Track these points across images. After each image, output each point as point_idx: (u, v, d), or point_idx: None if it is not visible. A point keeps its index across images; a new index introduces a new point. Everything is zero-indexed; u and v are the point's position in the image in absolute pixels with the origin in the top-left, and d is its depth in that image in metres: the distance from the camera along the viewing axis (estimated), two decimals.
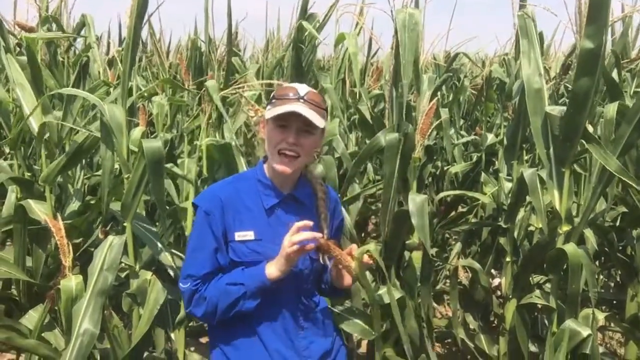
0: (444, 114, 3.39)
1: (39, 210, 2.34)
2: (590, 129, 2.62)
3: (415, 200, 2.19)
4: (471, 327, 2.96)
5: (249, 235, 1.54)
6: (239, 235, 1.53)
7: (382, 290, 2.22)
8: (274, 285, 1.49)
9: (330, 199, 1.68)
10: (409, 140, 2.23)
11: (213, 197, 1.56)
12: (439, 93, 4.12)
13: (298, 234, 1.44)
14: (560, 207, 2.00)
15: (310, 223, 1.47)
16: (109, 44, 4.85)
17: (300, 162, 1.53)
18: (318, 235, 1.47)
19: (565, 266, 2.03)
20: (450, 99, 4.38)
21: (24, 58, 2.40)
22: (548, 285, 2.86)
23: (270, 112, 1.51)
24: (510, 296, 2.58)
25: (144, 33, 3.71)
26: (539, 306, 2.35)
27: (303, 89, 1.54)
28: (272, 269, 1.49)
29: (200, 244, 1.55)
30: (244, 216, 1.55)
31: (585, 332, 1.98)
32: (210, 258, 1.54)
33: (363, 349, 3.17)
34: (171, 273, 2.22)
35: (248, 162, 3.08)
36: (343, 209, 1.89)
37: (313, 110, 1.50)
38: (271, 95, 1.59)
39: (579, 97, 1.86)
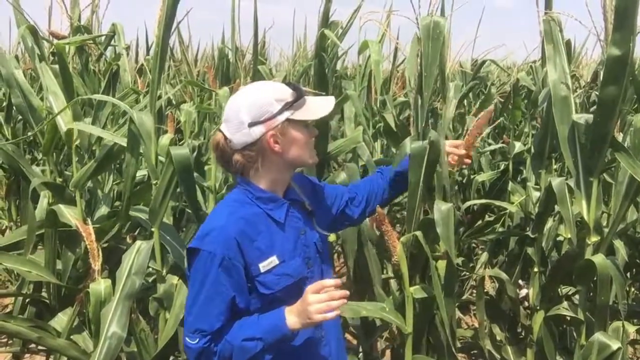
0: (470, 121, 3.36)
1: (70, 214, 2.39)
2: (619, 137, 2.57)
3: (441, 209, 2.17)
4: (498, 338, 2.92)
5: (273, 261, 1.44)
6: (264, 266, 1.43)
7: (416, 287, 2.20)
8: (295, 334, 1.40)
9: (304, 185, 1.67)
10: (434, 148, 2.22)
11: (226, 239, 1.40)
12: (465, 101, 4.09)
13: (327, 303, 1.33)
14: (588, 218, 1.97)
15: (339, 282, 1.37)
16: (137, 52, 4.95)
17: None
18: (345, 293, 1.35)
19: (594, 278, 1.99)
20: (477, 106, 4.34)
21: (57, 66, 2.46)
22: (577, 296, 2.81)
23: (306, 112, 1.48)
24: (538, 307, 2.53)
25: (172, 40, 3.77)
26: (568, 318, 2.31)
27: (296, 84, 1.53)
28: (294, 320, 1.36)
29: (214, 293, 1.39)
30: (260, 243, 1.44)
31: (614, 345, 1.93)
32: (226, 309, 1.40)
33: (387, 358, 3.15)
34: None
35: None
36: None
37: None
38: (279, 101, 1.46)
39: (606, 105, 1.83)
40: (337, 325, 1.65)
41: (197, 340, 1.39)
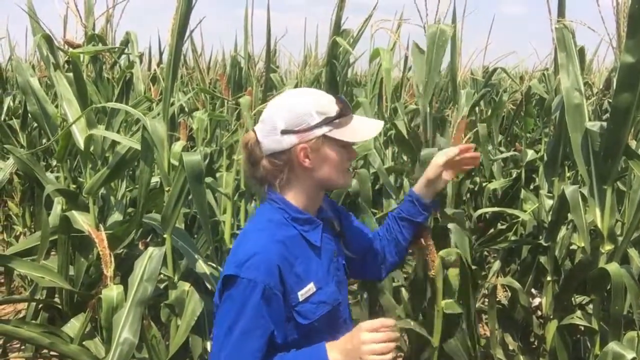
0: (482, 129, 3.35)
1: (83, 221, 2.41)
2: (633, 145, 2.55)
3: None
4: (510, 347, 2.89)
5: (311, 288, 1.32)
6: (302, 294, 1.31)
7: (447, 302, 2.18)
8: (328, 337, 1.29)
9: (331, 203, 1.58)
10: None
11: (268, 265, 1.26)
12: (477, 108, 4.08)
13: (386, 345, 1.21)
14: (602, 226, 1.95)
15: (394, 321, 1.26)
16: (150, 60, 5.00)
17: None
18: (397, 336, 1.26)
19: (608, 287, 1.97)
20: (489, 114, 4.33)
21: (72, 74, 2.49)
22: (591, 306, 2.78)
23: (347, 132, 1.36)
24: (551, 316, 2.51)
25: (185, 48, 3.80)
26: (581, 328, 2.28)
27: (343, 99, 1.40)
28: (336, 355, 1.24)
29: (253, 326, 1.25)
30: (298, 269, 1.32)
31: (629, 355, 1.90)
32: (264, 344, 1.26)
33: None
34: (208, 285, 2.25)
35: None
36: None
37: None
38: (320, 114, 1.34)
39: (619, 112, 1.81)
40: None
41: None
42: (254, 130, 1.40)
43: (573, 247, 2.82)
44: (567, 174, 3.00)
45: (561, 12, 2.34)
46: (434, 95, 2.08)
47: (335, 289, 1.40)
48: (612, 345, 1.93)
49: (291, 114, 1.33)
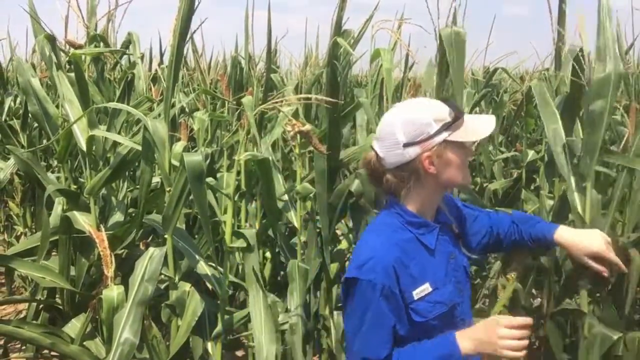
0: None
1: (84, 221, 2.41)
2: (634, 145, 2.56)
3: None
4: None
5: (426, 288, 1.40)
6: (417, 293, 1.39)
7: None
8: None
9: (450, 206, 1.61)
10: None
11: (385, 267, 1.35)
12: (477, 108, 4.08)
13: (522, 342, 1.32)
14: (587, 219, 2.08)
15: (531, 321, 1.37)
16: (151, 60, 4.99)
17: None
18: (529, 335, 1.36)
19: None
20: (490, 114, 4.33)
21: (73, 75, 2.49)
22: (591, 306, 2.77)
23: (467, 132, 1.41)
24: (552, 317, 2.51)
25: (186, 49, 3.80)
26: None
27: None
28: (468, 346, 1.33)
29: (377, 322, 1.36)
30: (413, 270, 1.40)
31: (615, 335, 1.98)
32: (389, 337, 1.37)
33: None
34: (209, 286, 2.25)
35: (286, 177, 3.10)
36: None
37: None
38: (437, 121, 1.39)
39: (595, 117, 1.96)
40: None
41: None
42: (372, 148, 1.47)
43: None
44: None
45: (561, 13, 2.35)
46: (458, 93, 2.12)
47: (454, 289, 1.46)
48: (600, 328, 1.97)
49: (410, 126, 1.39)
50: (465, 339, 1.34)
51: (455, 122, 1.40)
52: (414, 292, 1.38)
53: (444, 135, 1.39)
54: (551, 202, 2.73)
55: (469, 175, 1.49)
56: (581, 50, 2.16)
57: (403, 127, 1.39)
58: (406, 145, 1.39)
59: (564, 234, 1.66)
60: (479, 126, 1.45)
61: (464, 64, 2.13)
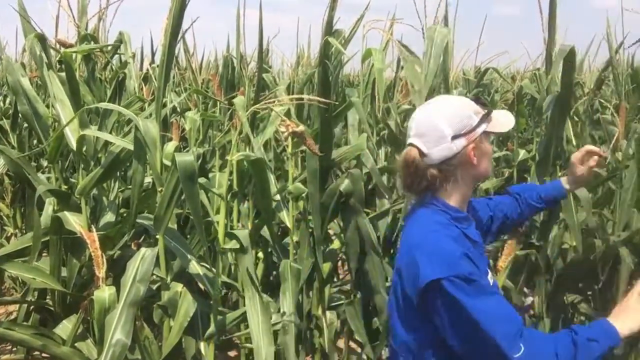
0: None
1: (75, 222, 2.40)
2: (624, 144, 2.58)
3: None
4: None
5: (492, 277, 1.43)
6: (490, 279, 1.42)
7: None
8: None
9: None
10: None
11: (460, 256, 1.32)
12: None
13: None
14: None
15: None
16: (142, 59, 4.97)
17: None
18: None
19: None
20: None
21: (64, 74, 2.48)
22: (583, 305, 2.80)
23: (497, 124, 1.49)
24: (544, 315, 2.52)
25: (177, 48, 3.79)
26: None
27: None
28: (625, 325, 1.30)
29: (488, 302, 1.29)
30: (475, 258, 1.37)
31: None
32: (507, 304, 1.34)
33: None
34: (201, 286, 2.24)
35: (278, 177, 3.09)
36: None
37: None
38: (479, 111, 1.46)
39: (553, 122, 2.20)
40: None
41: (521, 345, 1.24)
42: (414, 146, 1.46)
43: (565, 246, 2.84)
44: (559, 174, 3.02)
45: (552, 13, 2.36)
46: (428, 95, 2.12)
47: (488, 281, 1.45)
48: None
49: (455, 119, 1.43)
50: (618, 320, 1.31)
51: (489, 114, 1.46)
52: (488, 277, 1.41)
53: (484, 127, 1.45)
54: None
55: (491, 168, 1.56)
56: (571, 50, 2.18)
57: (448, 121, 1.42)
58: (454, 137, 1.41)
59: (564, 178, 1.87)
60: (504, 119, 1.52)
61: (444, 62, 2.16)
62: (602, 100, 3.45)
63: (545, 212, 2.56)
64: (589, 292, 2.45)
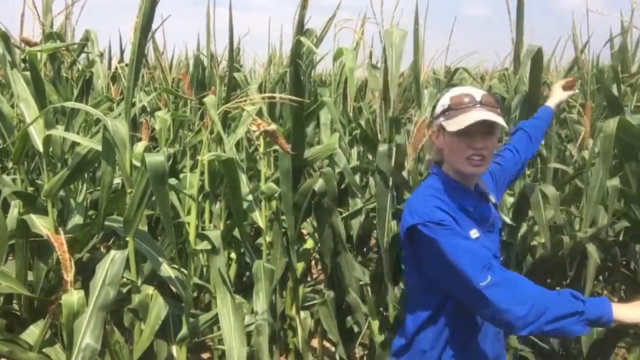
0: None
1: (41, 224, 2.34)
2: (590, 142, 2.63)
3: None
4: None
5: (476, 233, 1.55)
6: (473, 234, 1.54)
7: None
8: (612, 325, 1.38)
9: (485, 178, 1.75)
10: (400, 151, 2.30)
11: (437, 207, 1.52)
12: None
13: None
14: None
15: None
16: (110, 58, 4.88)
17: (488, 161, 1.59)
18: None
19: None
20: None
21: (29, 73, 2.42)
22: None
23: (452, 123, 1.54)
24: None
25: (147, 47, 3.73)
26: None
27: (478, 93, 1.57)
28: (626, 313, 1.34)
29: (459, 240, 1.47)
30: (459, 218, 1.54)
31: None
32: (479, 245, 1.50)
33: None
34: (173, 288, 2.22)
35: (250, 177, 3.07)
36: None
37: (492, 112, 1.53)
38: (442, 106, 1.60)
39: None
40: None
41: (488, 276, 1.38)
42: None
43: (534, 242, 2.89)
44: (527, 172, 3.08)
45: (520, 14, 2.40)
46: (397, 96, 2.16)
47: (491, 245, 1.63)
48: None
49: (441, 102, 1.64)
50: (619, 306, 1.35)
51: (448, 110, 1.57)
52: (471, 232, 1.54)
53: (441, 120, 1.59)
54: (512, 200, 2.80)
55: (470, 167, 1.57)
56: (539, 50, 2.22)
57: (441, 101, 1.62)
58: (434, 118, 1.64)
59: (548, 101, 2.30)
60: (465, 119, 1.53)
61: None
62: (570, 100, 3.52)
63: (514, 210, 2.61)
64: (558, 288, 2.50)
